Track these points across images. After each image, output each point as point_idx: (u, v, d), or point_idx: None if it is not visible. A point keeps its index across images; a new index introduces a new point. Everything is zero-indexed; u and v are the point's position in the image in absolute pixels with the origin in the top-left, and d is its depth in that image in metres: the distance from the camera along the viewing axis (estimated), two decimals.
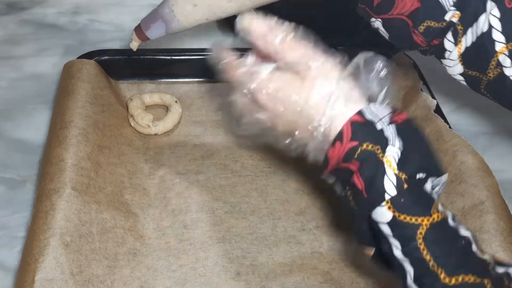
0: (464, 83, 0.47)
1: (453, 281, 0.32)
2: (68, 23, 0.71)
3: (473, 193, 0.50)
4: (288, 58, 0.39)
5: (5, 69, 0.65)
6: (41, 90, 0.63)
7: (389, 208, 0.34)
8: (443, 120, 0.57)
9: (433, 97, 0.60)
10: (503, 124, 0.67)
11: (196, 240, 0.50)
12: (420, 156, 0.35)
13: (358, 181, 0.35)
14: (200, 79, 0.64)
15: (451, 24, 0.43)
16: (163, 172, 0.55)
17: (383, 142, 0.35)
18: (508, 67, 0.42)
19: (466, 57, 0.44)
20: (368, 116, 0.36)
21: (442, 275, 0.32)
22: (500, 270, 0.34)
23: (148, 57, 0.62)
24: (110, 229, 0.48)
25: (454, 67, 0.46)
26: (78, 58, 0.60)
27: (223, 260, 0.49)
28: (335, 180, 0.38)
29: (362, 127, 0.35)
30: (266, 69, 0.39)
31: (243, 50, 0.42)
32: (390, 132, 0.35)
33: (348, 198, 0.37)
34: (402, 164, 0.34)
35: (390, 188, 0.34)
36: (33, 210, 0.47)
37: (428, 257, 0.33)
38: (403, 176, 0.34)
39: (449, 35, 0.44)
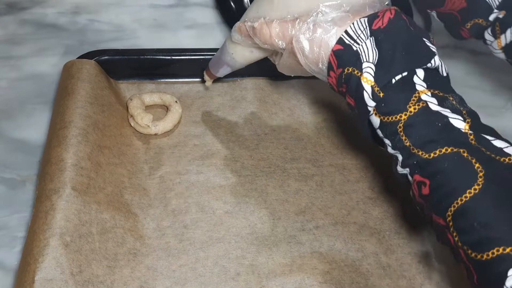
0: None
1: (432, 155, 0.37)
2: (68, 23, 0.71)
3: None
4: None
5: (5, 69, 0.65)
6: (41, 90, 0.63)
7: (376, 114, 0.41)
8: None
9: None
10: (503, 124, 0.67)
11: (196, 240, 0.50)
12: (399, 57, 0.40)
13: (350, 100, 0.42)
14: (200, 79, 0.64)
15: (495, 21, 0.46)
16: (163, 172, 0.55)
17: (358, 62, 0.40)
18: None
19: (507, 51, 0.48)
20: (347, 41, 0.41)
21: (422, 154, 0.38)
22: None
23: (148, 57, 0.62)
24: (110, 229, 0.48)
25: (498, 54, 0.49)
26: (78, 58, 0.60)
27: (223, 260, 0.49)
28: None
29: (342, 53, 0.41)
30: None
31: None
32: (366, 47, 0.40)
33: (354, 112, 0.43)
34: (378, 74, 0.40)
35: (369, 100, 0.40)
36: (33, 210, 0.47)
37: (408, 144, 0.39)
38: (376, 89, 0.40)
39: (489, 30, 0.47)
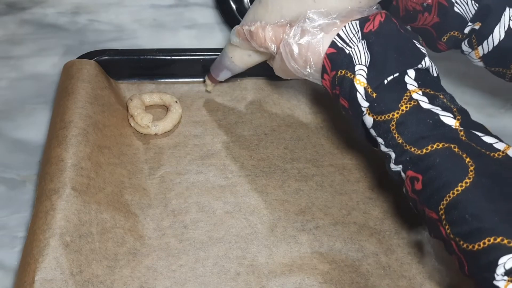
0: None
1: (424, 151, 0.38)
2: (68, 23, 0.71)
3: None
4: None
5: (5, 69, 0.65)
6: (41, 90, 0.63)
7: (369, 114, 0.42)
8: None
9: None
10: (503, 124, 0.67)
11: (196, 240, 0.50)
12: (391, 59, 0.41)
13: (344, 102, 0.44)
14: (200, 79, 0.64)
15: (471, 33, 0.46)
16: (163, 172, 0.55)
17: (351, 65, 0.42)
18: None
19: (485, 60, 0.48)
20: (340, 44, 0.42)
21: (414, 150, 0.39)
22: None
23: (148, 57, 0.62)
24: (110, 229, 0.48)
25: (476, 63, 0.50)
26: (78, 58, 0.60)
27: (223, 260, 0.49)
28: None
29: (335, 56, 0.43)
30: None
31: None
32: (359, 50, 0.42)
33: (348, 113, 0.44)
34: (370, 76, 0.41)
35: (362, 101, 0.41)
36: (33, 210, 0.47)
37: (401, 141, 0.40)
38: (369, 90, 0.41)
39: (465, 42, 0.47)
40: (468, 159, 0.36)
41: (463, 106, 0.42)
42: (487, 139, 0.38)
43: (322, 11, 0.44)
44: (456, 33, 0.46)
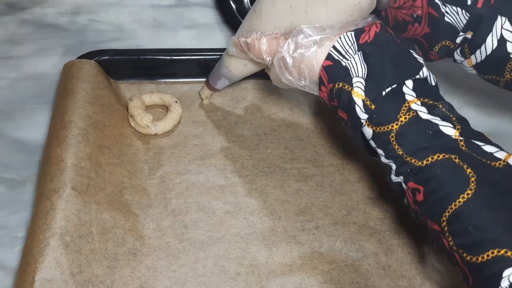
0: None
1: (425, 162, 0.38)
2: (68, 23, 0.71)
3: None
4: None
5: (5, 69, 0.65)
6: (41, 90, 0.63)
7: (368, 125, 0.42)
8: None
9: None
10: (503, 124, 0.67)
11: (196, 240, 0.50)
12: (388, 70, 0.41)
13: (342, 114, 0.44)
14: (200, 79, 0.64)
15: (463, 42, 0.46)
16: (163, 172, 0.55)
17: (348, 77, 0.42)
18: None
19: (479, 68, 0.48)
20: (336, 56, 0.42)
21: (415, 161, 0.39)
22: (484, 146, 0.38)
23: (148, 57, 0.62)
24: (110, 229, 0.48)
25: (469, 71, 0.49)
26: (78, 58, 0.60)
27: (223, 260, 0.49)
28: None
29: (332, 69, 0.43)
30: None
31: None
32: (355, 62, 0.42)
33: (347, 125, 0.44)
34: (368, 88, 0.41)
35: (361, 113, 0.41)
36: (33, 210, 0.47)
37: (401, 152, 0.40)
38: (368, 102, 0.41)
39: (458, 51, 0.47)
40: (469, 170, 0.36)
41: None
42: (488, 148, 0.38)
43: (316, 26, 0.44)
44: (447, 42, 0.46)
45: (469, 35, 0.45)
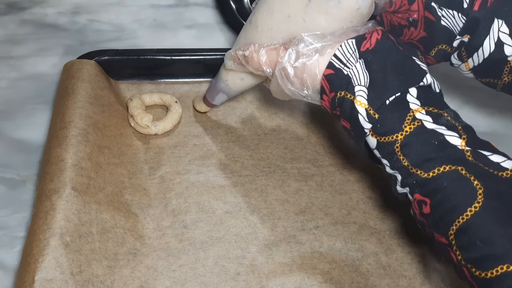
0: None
1: (431, 174, 0.37)
2: (68, 23, 0.71)
3: None
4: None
5: (5, 69, 0.65)
6: (41, 90, 0.63)
7: (372, 135, 0.41)
8: None
9: None
10: (503, 124, 0.67)
11: (196, 240, 0.50)
12: (391, 78, 0.40)
13: (345, 123, 0.43)
14: (200, 79, 0.64)
15: (460, 46, 0.45)
16: (163, 172, 0.55)
17: (350, 86, 0.41)
18: None
19: (476, 72, 0.47)
20: (337, 65, 0.42)
21: (421, 173, 0.38)
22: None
23: (148, 57, 0.62)
24: (110, 229, 0.48)
25: (466, 75, 0.49)
26: (78, 58, 0.60)
27: (223, 260, 0.49)
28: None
29: (334, 78, 0.42)
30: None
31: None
32: (357, 70, 0.41)
33: (350, 134, 0.44)
34: (371, 97, 0.40)
35: (364, 122, 0.41)
36: (33, 210, 0.47)
37: (406, 163, 0.39)
38: (371, 111, 0.40)
39: (455, 55, 0.47)
40: (476, 182, 0.36)
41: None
42: (494, 158, 0.37)
43: (317, 34, 0.43)
44: (444, 46, 0.46)
45: (465, 39, 0.44)
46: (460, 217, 0.35)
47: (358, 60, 0.41)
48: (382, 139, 0.40)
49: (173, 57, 0.63)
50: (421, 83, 0.40)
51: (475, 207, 0.35)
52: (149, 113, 0.58)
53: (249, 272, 0.49)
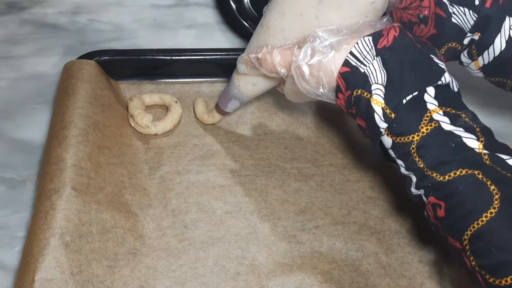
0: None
1: (447, 177, 0.37)
2: (68, 23, 0.71)
3: None
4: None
5: (5, 69, 0.65)
6: (41, 90, 0.63)
7: (387, 135, 0.40)
8: None
9: None
10: (504, 124, 0.67)
11: (196, 240, 0.50)
12: (408, 76, 0.39)
13: (361, 122, 0.42)
14: (200, 79, 0.64)
15: (470, 43, 0.45)
16: (163, 172, 0.55)
17: (367, 84, 0.40)
18: None
19: (485, 70, 0.47)
20: (353, 62, 0.41)
21: (436, 176, 0.37)
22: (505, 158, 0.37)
23: (148, 57, 0.62)
24: (110, 229, 0.48)
25: (475, 74, 0.48)
26: (78, 58, 0.60)
27: (223, 260, 0.49)
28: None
29: (350, 75, 0.41)
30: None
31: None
32: (374, 68, 0.40)
33: (366, 133, 0.43)
34: (388, 96, 0.39)
35: (380, 122, 0.40)
36: (33, 210, 0.47)
37: (422, 165, 0.38)
38: (387, 110, 0.39)
39: (465, 53, 0.46)
40: (492, 187, 0.35)
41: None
42: None
43: (332, 28, 0.42)
44: (454, 44, 0.45)
45: (476, 36, 0.44)
46: (475, 222, 0.35)
47: (375, 57, 0.40)
48: (398, 139, 0.39)
49: (173, 57, 0.63)
50: (439, 82, 0.39)
51: (491, 213, 0.34)
52: (149, 113, 0.58)
53: (249, 272, 0.49)
